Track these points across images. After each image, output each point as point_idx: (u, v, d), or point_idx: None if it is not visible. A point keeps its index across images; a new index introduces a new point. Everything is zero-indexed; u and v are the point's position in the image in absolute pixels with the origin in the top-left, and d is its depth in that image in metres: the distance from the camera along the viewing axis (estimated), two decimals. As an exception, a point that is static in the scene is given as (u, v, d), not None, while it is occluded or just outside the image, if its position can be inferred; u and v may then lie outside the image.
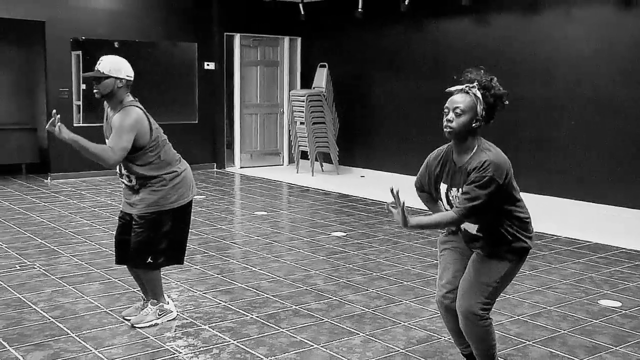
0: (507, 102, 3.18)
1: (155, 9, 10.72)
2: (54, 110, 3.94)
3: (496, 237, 3.17)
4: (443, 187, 3.23)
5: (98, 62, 4.07)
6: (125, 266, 4.38)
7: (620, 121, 7.78)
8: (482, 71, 3.15)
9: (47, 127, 3.89)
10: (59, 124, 3.86)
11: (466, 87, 3.10)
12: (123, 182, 4.23)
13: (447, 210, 3.25)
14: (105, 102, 4.17)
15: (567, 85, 8.23)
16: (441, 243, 3.44)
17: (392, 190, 2.97)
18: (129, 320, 4.30)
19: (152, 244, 4.14)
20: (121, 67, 4.06)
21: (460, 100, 3.08)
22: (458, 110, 3.06)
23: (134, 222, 4.15)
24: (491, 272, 3.18)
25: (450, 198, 3.18)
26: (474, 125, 3.07)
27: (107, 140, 4.16)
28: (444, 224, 3.13)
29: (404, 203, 2.95)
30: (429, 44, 9.86)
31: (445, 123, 3.09)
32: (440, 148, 3.32)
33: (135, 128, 4.01)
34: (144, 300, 4.37)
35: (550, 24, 8.41)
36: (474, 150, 3.11)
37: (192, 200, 4.30)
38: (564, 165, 8.32)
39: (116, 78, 4.03)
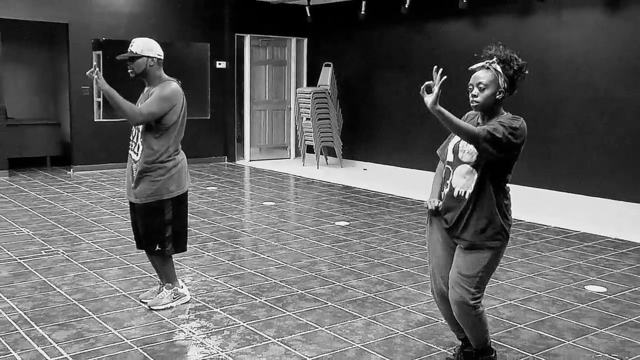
0: (527, 72, 3.18)
1: (170, 12, 10.70)
2: (95, 63, 3.96)
3: (482, 212, 3.13)
4: (457, 138, 3.21)
5: (130, 44, 4.10)
6: (144, 252, 4.40)
7: (611, 117, 7.76)
8: (501, 47, 3.18)
9: (87, 73, 3.91)
10: (97, 75, 3.87)
11: (486, 63, 3.14)
12: (131, 157, 4.17)
13: (446, 168, 3.24)
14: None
15: (561, 84, 8.20)
16: (429, 235, 3.38)
17: (436, 70, 2.94)
18: (146, 303, 4.33)
19: (157, 232, 4.14)
20: (152, 46, 4.09)
21: (482, 75, 3.12)
22: (481, 85, 3.11)
23: (137, 213, 4.17)
24: (475, 264, 3.16)
25: (460, 147, 3.17)
26: (497, 97, 3.12)
27: (135, 132, 4.15)
28: (464, 131, 2.97)
29: (443, 81, 2.91)
30: (428, 45, 9.82)
31: (471, 98, 3.14)
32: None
33: (171, 100, 4.02)
34: (160, 284, 4.39)
35: (543, 27, 8.37)
36: (501, 117, 3.13)
37: (187, 191, 4.28)
38: (557, 160, 8.30)
39: (148, 57, 4.06)
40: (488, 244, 3.15)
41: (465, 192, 3.15)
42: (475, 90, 3.12)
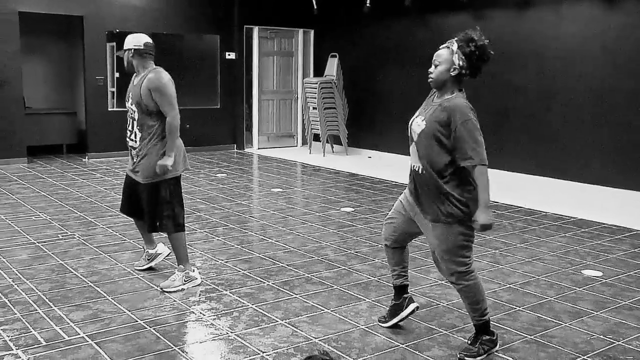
0: (491, 53, 3.19)
1: (181, 4, 10.66)
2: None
3: (437, 186, 3.18)
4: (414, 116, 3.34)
5: None
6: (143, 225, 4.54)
7: (606, 108, 7.70)
8: (477, 32, 3.22)
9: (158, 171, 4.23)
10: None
11: (448, 43, 3.22)
12: (129, 144, 4.36)
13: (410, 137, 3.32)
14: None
15: (557, 75, 8.14)
16: (403, 196, 3.48)
17: None
18: (141, 268, 4.60)
19: (158, 210, 4.26)
20: (128, 41, 4.36)
21: (440, 53, 3.22)
22: (437, 62, 3.21)
23: (140, 192, 4.32)
24: (448, 238, 3.22)
25: (413, 124, 3.29)
26: (451, 73, 3.17)
27: (127, 104, 4.35)
28: (482, 184, 3.10)
29: None
30: (431, 37, 9.75)
31: (429, 75, 3.24)
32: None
33: (171, 84, 4.22)
34: (145, 251, 4.66)
35: (541, 19, 8.30)
36: (452, 96, 3.19)
37: (180, 175, 4.38)
38: (553, 148, 8.26)
39: (127, 50, 4.33)
40: (454, 212, 3.16)
41: (418, 167, 3.25)
42: (432, 68, 3.21)
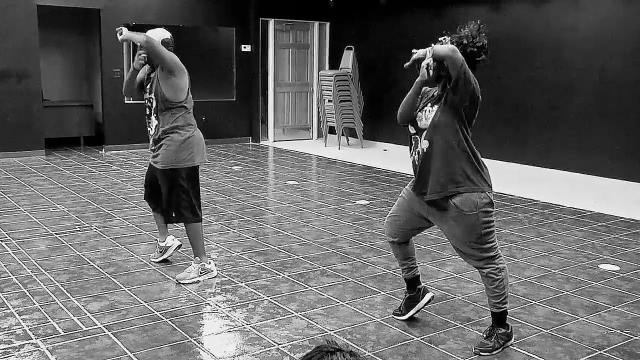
0: (484, 56, 3.27)
1: (197, -3, 10.69)
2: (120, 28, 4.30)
3: (443, 164, 3.19)
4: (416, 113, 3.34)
5: None
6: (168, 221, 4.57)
7: (625, 100, 7.61)
8: (464, 27, 3.31)
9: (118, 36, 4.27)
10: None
11: (442, 39, 3.36)
12: (149, 133, 4.41)
13: (413, 139, 3.33)
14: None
15: (575, 67, 8.05)
16: (405, 194, 3.53)
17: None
18: (156, 260, 4.64)
19: (175, 199, 4.30)
20: (152, 34, 4.40)
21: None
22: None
23: (159, 180, 4.36)
24: (467, 229, 3.22)
25: (417, 119, 3.29)
26: (442, 72, 3.25)
27: (145, 95, 4.40)
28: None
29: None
30: (448, 29, 9.66)
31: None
32: None
33: (180, 66, 4.23)
34: (157, 243, 4.71)
35: (560, 10, 8.20)
36: None
37: (198, 166, 4.41)
38: (571, 141, 8.18)
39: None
40: (460, 189, 3.18)
41: (424, 150, 3.25)
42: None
